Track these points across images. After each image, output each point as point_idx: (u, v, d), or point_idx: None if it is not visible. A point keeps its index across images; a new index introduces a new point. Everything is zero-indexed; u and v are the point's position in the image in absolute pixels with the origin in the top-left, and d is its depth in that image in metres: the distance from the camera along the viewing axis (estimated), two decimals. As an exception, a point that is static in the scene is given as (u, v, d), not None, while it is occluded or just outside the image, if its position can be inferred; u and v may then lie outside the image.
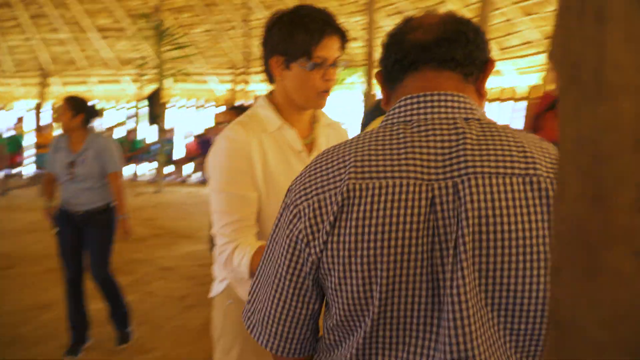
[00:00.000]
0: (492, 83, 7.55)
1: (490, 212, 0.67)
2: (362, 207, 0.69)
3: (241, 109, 3.57)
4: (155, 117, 9.63)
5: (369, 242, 0.69)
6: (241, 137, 1.20)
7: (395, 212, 0.68)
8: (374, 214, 0.68)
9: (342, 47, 1.23)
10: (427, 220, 0.68)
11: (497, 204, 0.67)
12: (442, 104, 0.74)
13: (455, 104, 0.74)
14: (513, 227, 0.67)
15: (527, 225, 0.67)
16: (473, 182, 0.67)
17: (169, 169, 10.92)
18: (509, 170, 0.69)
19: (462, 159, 0.69)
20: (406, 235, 0.68)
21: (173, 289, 3.93)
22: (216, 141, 1.25)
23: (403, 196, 0.68)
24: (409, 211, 0.68)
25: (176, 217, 6.74)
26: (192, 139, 11.49)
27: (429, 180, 0.69)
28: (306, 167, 0.80)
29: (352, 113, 11.99)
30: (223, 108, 11.55)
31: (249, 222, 1.21)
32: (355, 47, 9.09)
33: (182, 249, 5.14)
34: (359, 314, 0.72)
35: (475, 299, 0.67)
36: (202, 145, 10.57)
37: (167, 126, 10.55)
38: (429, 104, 0.74)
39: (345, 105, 12.37)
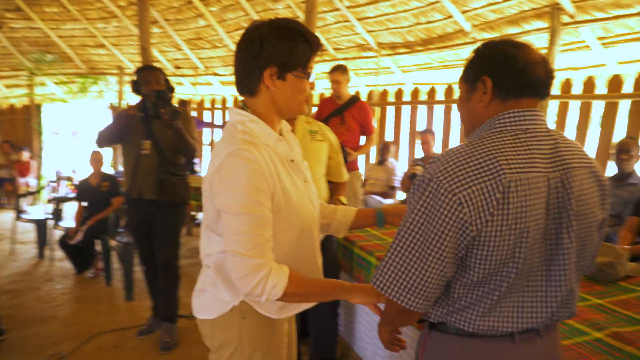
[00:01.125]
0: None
1: (582, 195, 1.09)
2: (519, 194, 1.00)
3: None
4: None
5: (523, 219, 1.01)
6: (257, 156, 1.22)
7: (537, 196, 1.03)
8: (527, 198, 1.01)
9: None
10: (548, 202, 1.05)
11: (584, 187, 1.10)
12: (540, 118, 1.10)
13: (543, 118, 1.11)
14: (591, 202, 1.10)
15: (595, 201, 1.12)
16: (571, 174, 1.08)
17: None
18: (584, 164, 1.11)
19: (560, 157, 1.08)
20: (541, 212, 1.04)
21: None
22: (229, 162, 1.21)
23: (539, 185, 1.03)
24: (542, 195, 1.04)
25: None
26: None
27: (545, 173, 1.06)
28: (444, 161, 1.03)
29: (93, 122, 11.18)
30: None
31: (271, 244, 1.25)
32: (103, 54, 8.62)
33: None
34: (506, 268, 1.04)
35: (574, 251, 1.10)
36: None
37: None
38: (535, 118, 1.09)
39: (87, 114, 11.45)
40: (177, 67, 8.90)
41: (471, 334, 1.11)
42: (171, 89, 2.99)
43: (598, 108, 4.62)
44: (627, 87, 4.24)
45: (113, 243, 4.33)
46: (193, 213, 6.19)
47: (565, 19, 4.36)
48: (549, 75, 1.11)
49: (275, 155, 1.30)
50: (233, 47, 7.75)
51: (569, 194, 1.08)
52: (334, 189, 2.52)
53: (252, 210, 1.20)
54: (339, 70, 4.12)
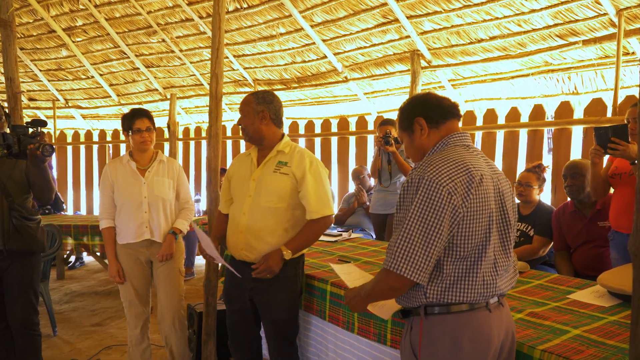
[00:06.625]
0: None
1: (506, 193, 1.49)
2: (484, 185, 1.39)
3: None
4: None
5: (488, 203, 1.40)
6: (107, 168, 2.87)
7: (491, 188, 1.42)
8: (487, 188, 1.40)
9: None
10: (494, 194, 1.44)
11: (503, 188, 1.49)
12: (468, 137, 1.52)
13: (469, 137, 1.53)
14: (508, 201, 1.50)
15: (511, 198, 1.52)
16: (498, 178, 1.48)
17: None
18: (500, 173, 1.52)
19: (490, 165, 1.49)
20: (494, 200, 1.43)
21: None
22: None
23: (490, 180, 1.43)
24: (492, 188, 1.43)
25: None
26: None
27: (490, 173, 1.45)
28: (428, 164, 1.38)
29: None
30: None
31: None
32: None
33: None
34: (482, 244, 1.39)
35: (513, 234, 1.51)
36: None
37: None
38: (469, 138, 1.51)
39: None
40: (32, 99, 8.12)
41: (459, 310, 1.39)
42: (42, 123, 2.68)
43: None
44: (478, 121, 4.79)
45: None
46: (67, 253, 5.60)
47: (423, 63, 4.84)
48: (453, 104, 1.55)
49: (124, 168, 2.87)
50: (100, 79, 7.30)
51: (502, 191, 1.48)
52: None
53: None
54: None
